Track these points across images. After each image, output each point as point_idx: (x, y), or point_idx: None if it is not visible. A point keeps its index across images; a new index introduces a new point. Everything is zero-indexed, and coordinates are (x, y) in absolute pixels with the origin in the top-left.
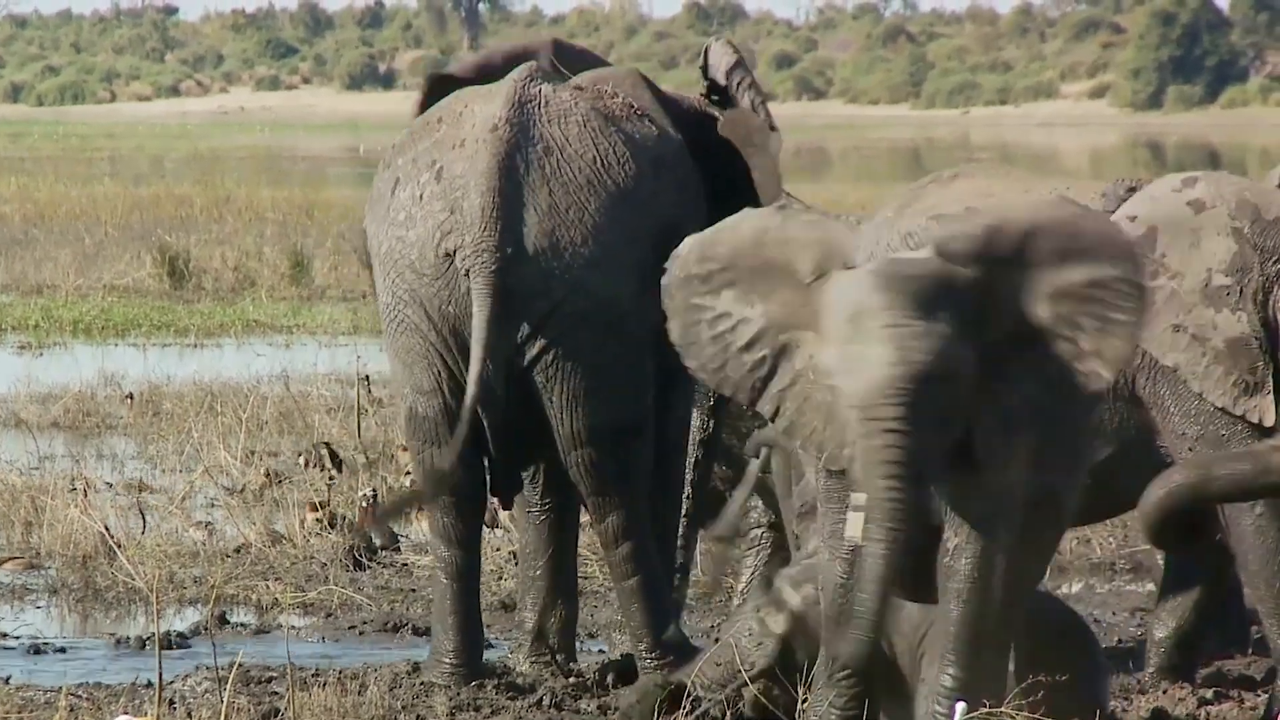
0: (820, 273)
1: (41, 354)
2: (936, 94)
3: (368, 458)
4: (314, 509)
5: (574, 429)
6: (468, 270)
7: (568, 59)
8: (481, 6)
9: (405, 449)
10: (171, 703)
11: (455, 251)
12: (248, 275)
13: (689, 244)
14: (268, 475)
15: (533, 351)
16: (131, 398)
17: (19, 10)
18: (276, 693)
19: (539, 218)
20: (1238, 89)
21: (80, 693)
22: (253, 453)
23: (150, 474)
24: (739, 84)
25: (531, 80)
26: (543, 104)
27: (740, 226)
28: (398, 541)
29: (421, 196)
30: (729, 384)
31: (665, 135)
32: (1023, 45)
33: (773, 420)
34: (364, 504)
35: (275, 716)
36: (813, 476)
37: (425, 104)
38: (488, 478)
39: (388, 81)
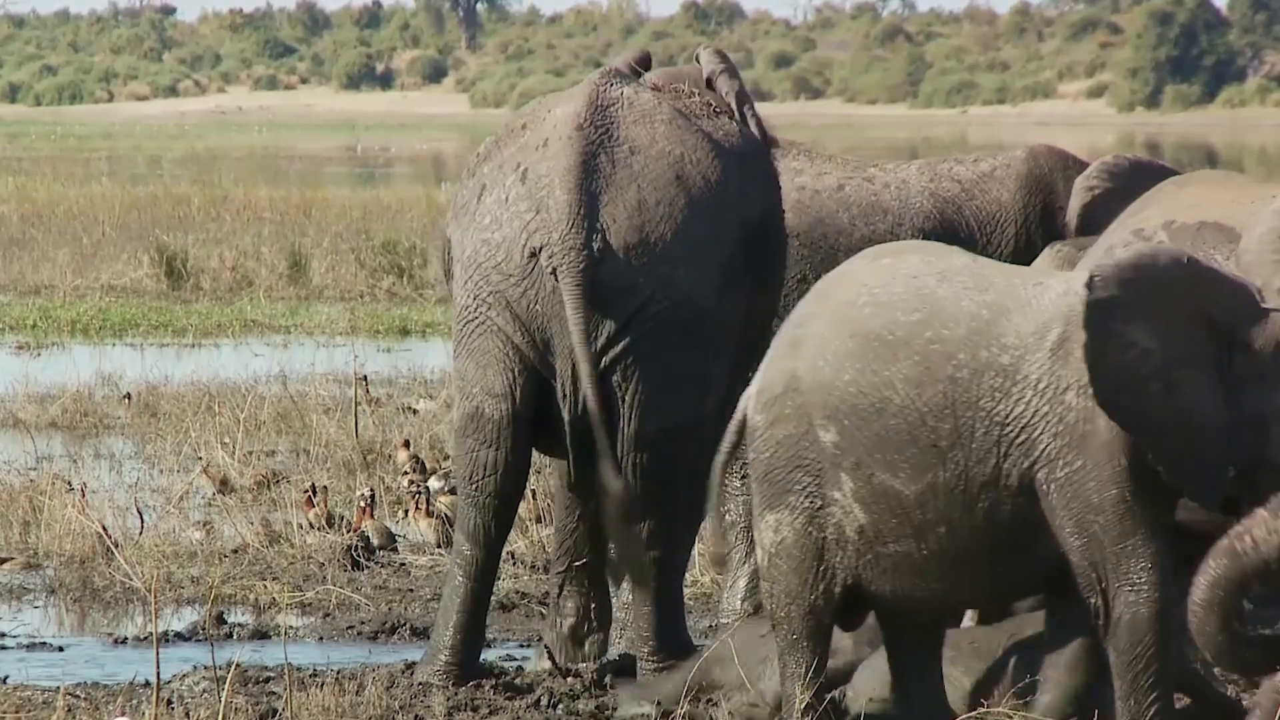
0: None
1: (39, 354)
2: (934, 94)
3: (365, 458)
4: (310, 504)
5: (641, 429)
6: (554, 269)
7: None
8: (479, 6)
9: (405, 447)
10: (169, 702)
11: (541, 250)
12: (245, 275)
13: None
14: (266, 475)
15: (616, 350)
16: (129, 398)
17: (16, 10)
18: (274, 693)
19: (627, 214)
20: (1235, 89)
21: (78, 692)
22: (250, 452)
23: (148, 474)
24: (728, 92)
25: (611, 82)
26: (626, 104)
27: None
28: (395, 542)
29: (507, 199)
30: None
31: (746, 132)
32: (1020, 45)
33: None
34: (361, 504)
35: (273, 716)
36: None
37: None
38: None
39: (385, 81)
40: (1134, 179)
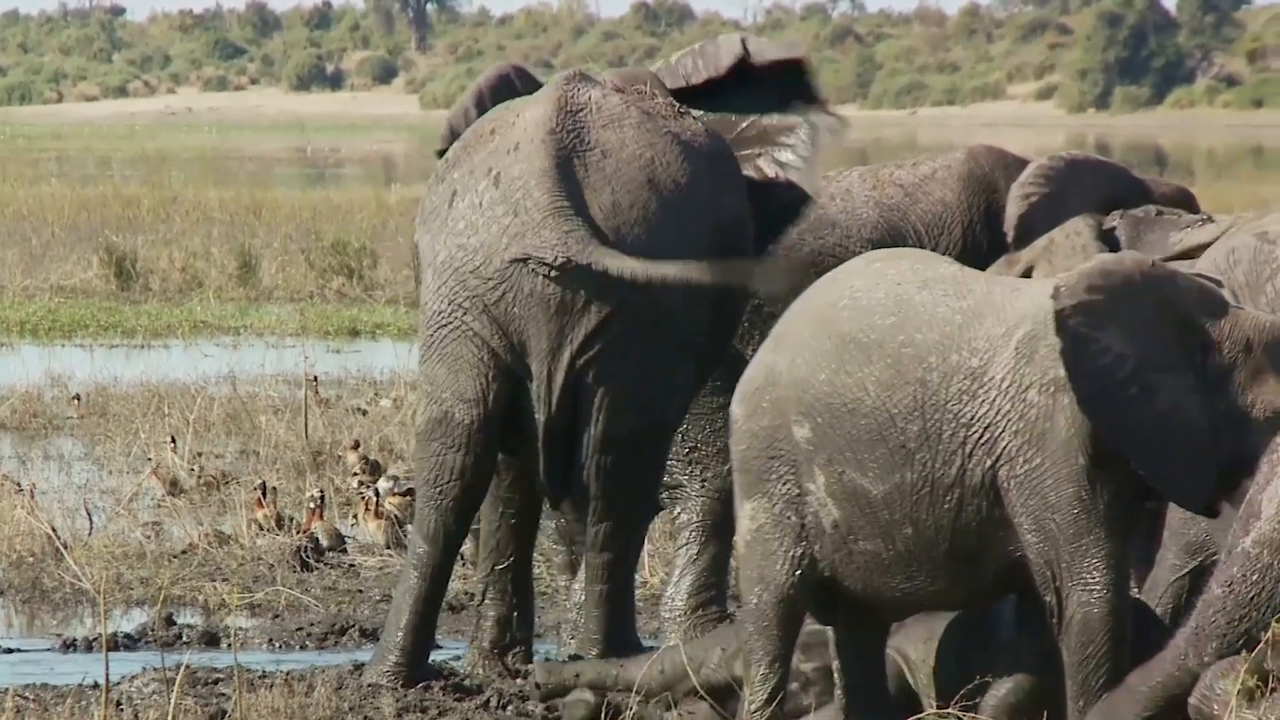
0: None
1: None
2: (884, 94)
3: (315, 459)
4: (260, 505)
5: (608, 431)
6: (535, 270)
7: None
8: (429, 7)
9: (355, 448)
10: (118, 704)
11: (521, 252)
12: (195, 276)
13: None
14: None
15: (591, 352)
16: (78, 398)
17: None
18: (223, 694)
19: (603, 217)
20: (1184, 90)
21: (27, 694)
22: (200, 454)
23: (97, 475)
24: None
25: (578, 85)
26: (594, 108)
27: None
28: (344, 543)
29: (481, 204)
30: None
31: (713, 133)
32: (970, 46)
33: None
34: (311, 505)
35: (222, 718)
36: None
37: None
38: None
39: (335, 82)
40: (1071, 180)
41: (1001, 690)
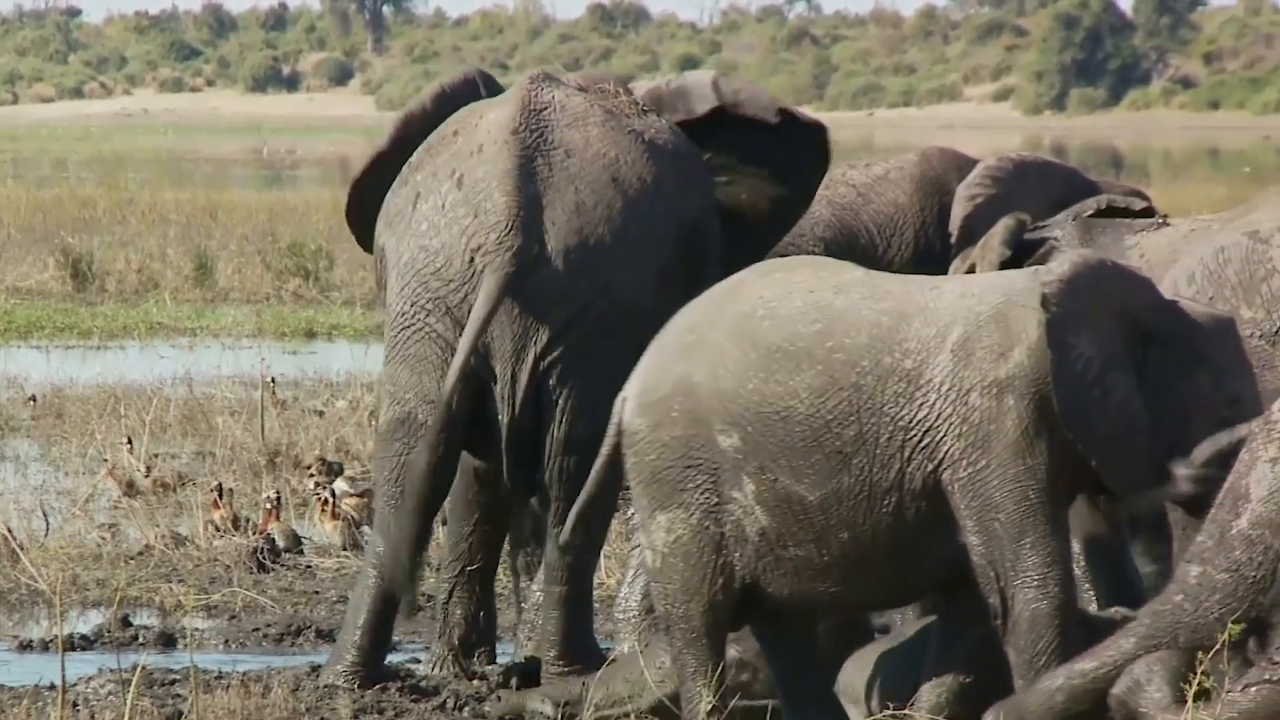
0: None
1: None
2: (840, 96)
3: (272, 460)
4: (216, 506)
5: (571, 432)
6: (484, 267)
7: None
8: (385, 8)
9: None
10: (75, 705)
11: (478, 251)
12: (151, 277)
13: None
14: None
15: (554, 353)
16: (34, 400)
17: None
18: (180, 695)
19: (566, 217)
20: (1140, 92)
21: None
22: (156, 455)
23: (53, 476)
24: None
25: (542, 86)
26: (558, 108)
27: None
28: (301, 544)
29: (444, 205)
30: None
31: (677, 132)
32: (926, 48)
33: None
34: (267, 506)
35: (179, 719)
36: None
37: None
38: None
39: (292, 84)
40: (1018, 182)
41: (930, 692)
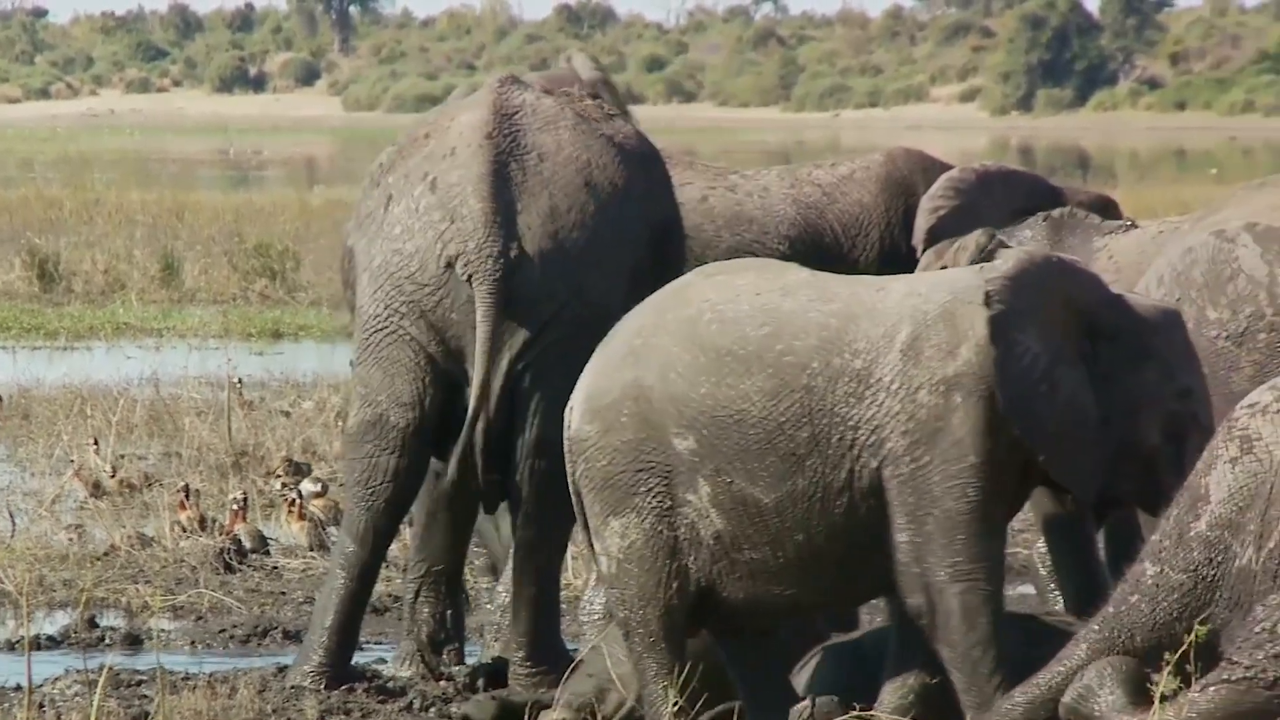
0: None
1: None
2: (807, 97)
3: (238, 461)
4: (183, 506)
5: (543, 435)
6: (469, 276)
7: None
8: (352, 9)
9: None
10: (41, 706)
11: (457, 259)
12: (118, 278)
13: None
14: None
15: (530, 356)
16: (0, 400)
17: None
18: (146, 696)
19: (540, 221)
20: (1107, 93)
21: None
22: (123, 455)
23: (19, 477)
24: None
25: (511, 89)
26: (530, 111)
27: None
28: (268, 545)
29: (418, 209)
30: None
31: (642, 134)
32: (893, 49)
33: None
34: (234, 507)
35: (145, 719)
36: None
37: None
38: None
39: (258, 84)
40: (981, 192)
41: (892, 694)
